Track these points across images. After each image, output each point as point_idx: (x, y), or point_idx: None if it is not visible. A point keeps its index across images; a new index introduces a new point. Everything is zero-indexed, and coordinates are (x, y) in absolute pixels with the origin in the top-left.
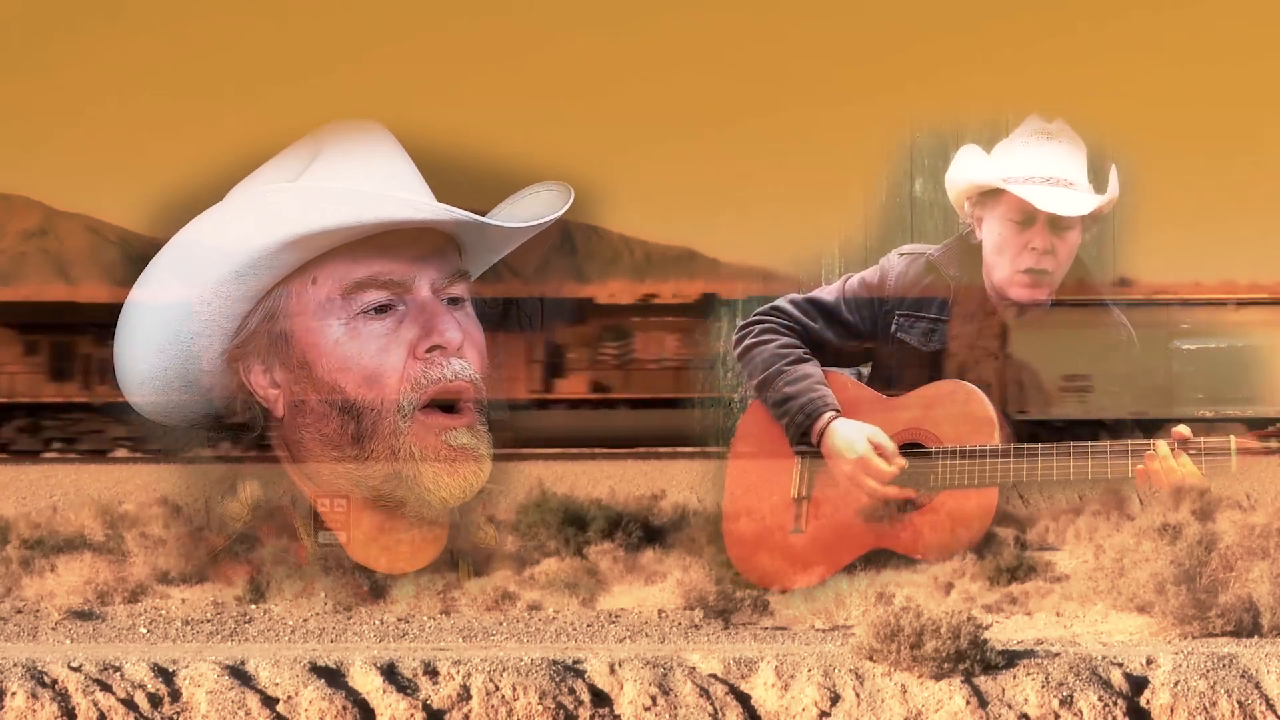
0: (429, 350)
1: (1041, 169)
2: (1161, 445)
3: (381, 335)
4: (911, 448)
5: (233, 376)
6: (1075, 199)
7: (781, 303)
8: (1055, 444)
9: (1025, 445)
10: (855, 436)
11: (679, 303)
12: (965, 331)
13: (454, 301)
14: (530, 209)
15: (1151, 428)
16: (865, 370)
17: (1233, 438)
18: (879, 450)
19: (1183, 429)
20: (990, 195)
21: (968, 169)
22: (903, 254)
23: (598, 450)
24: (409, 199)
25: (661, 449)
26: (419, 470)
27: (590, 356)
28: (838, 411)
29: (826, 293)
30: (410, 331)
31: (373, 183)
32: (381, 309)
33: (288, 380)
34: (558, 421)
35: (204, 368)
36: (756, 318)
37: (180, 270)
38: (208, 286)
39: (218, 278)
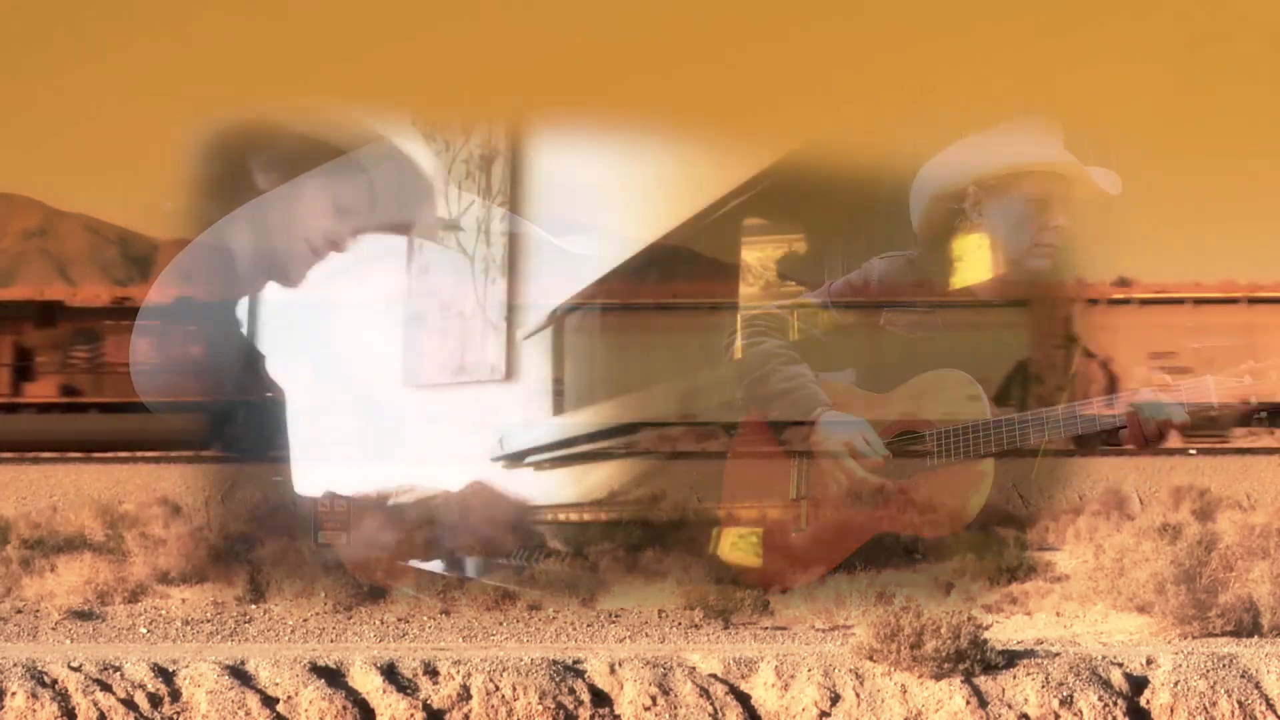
0: None
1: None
2: (1144, 391)
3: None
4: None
5: (261, 372)
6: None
7: (771, 308)
8: (1044, 409)
9: (1017, 415)
10: (843, 423)
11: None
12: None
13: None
14: None
15: None
16: (853, 372)
17: (1210, 377)
18: (864, 438)
19: (1163, 377)
20: (1008, 178)
21: (1028, 149)
22: (883, 258)
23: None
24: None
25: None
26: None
27: (61, 360)
28: (829, 406)
29: (813, 296)
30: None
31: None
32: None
33: (314, 377)
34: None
35: (234, 364)
36: (748, 323)
37: (228, 269)
38: (253, 285)
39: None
